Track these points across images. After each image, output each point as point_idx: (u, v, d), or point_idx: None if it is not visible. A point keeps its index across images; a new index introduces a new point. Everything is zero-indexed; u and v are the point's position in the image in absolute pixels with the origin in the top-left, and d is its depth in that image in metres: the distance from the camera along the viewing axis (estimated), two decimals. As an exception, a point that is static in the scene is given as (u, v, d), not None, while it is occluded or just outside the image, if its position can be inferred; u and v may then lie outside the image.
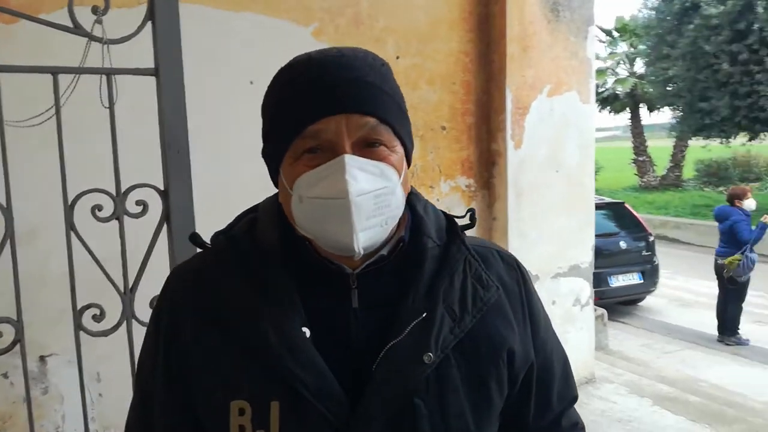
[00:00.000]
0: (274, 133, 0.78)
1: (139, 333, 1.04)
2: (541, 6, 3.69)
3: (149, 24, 1.40)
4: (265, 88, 0.80)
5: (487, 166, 3.92)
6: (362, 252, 0.73)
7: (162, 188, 1.47)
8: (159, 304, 0.85)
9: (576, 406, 0.97)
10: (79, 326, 1.40)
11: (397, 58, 3.46)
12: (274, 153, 0.78)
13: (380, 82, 0.75)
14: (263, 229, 0.82)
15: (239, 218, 0.88)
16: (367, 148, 0.74)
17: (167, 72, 1.43)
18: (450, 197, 3.80)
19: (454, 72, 3.72)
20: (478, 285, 0.82)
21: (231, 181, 2.66)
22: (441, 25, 3.61)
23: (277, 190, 0.82)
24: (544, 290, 3.93)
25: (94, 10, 1.31)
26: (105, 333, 1.42)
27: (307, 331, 0.75)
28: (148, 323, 0.87)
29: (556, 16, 3.75)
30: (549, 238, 3.96)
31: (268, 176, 0.82)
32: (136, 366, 0.93)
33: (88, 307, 1.41)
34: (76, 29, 1.31)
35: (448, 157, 3.78)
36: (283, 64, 0.79)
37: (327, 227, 0.73)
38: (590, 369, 4.23)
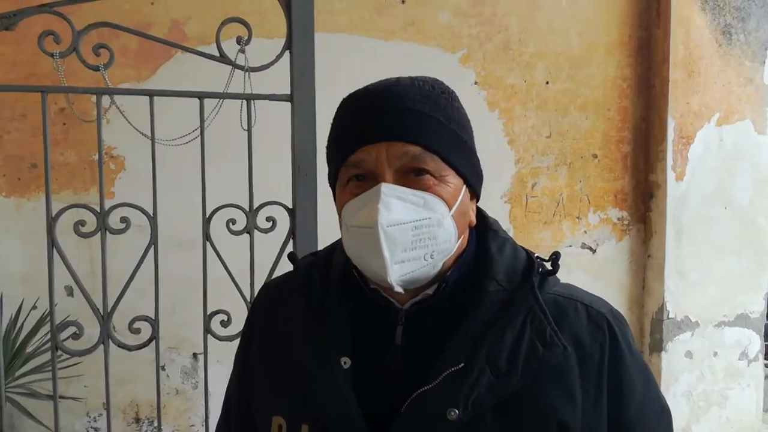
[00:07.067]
0: (327, 161, 0.80)
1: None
2: (710, 29, 3.39)
3: (286, 53, 1.50)
4: None
5: (643, 198, 3.65)
6: (398, 286, 0.71)
7: (290, 206, 1.56)
8: (249, 311, 0.90)
9: None
10: (207, 330, 1.52)
11: (547, 83, 3.37)
12: (329, 180, 0.80)
13: (431, 109, 0.73)
14: (338, 255, 0.83)
15: (336, 242, 0.90)
16: (414, 176, 0.72)
17: (301, 98, 1.52)
18: (599, 230, 3.59)
19: (610, 98, 3.53)
20: (538, 341, 0.73)
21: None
22: (597, 49, 3.46)
23: None
24: (704, 339, 3.56)
25: (238, 40, 1.44)
26: (230, 338, 1.53)
27: (347, 361, 0.74)
28: None
29: (728, 40, 3.42)
30: (713, 281, 3.58)
31: None
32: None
33: (216, 312, 1.53)
34: (222, 58, 1.44)
35: (599, 187, 3.59)
36: None
37: (364, 258, 0.72)
38: (756, 432, 3.74)
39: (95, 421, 3.09)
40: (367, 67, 3.00)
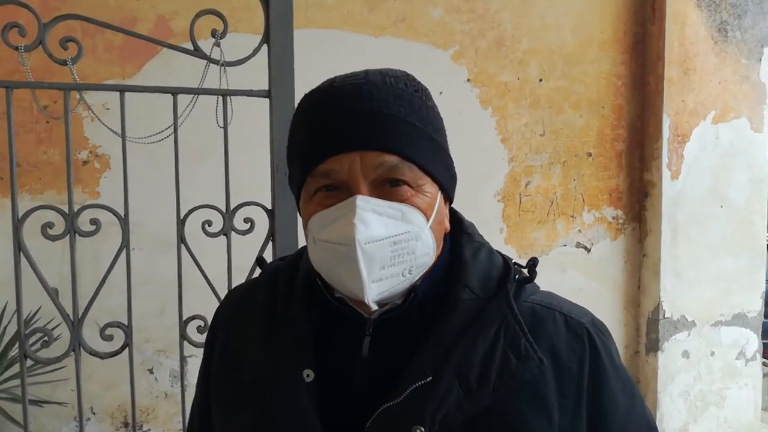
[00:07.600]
0: (289, 167, 0.73)
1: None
2: (706, 26, 3.34)
3: (264, 48, 1.44)
4: None
5: (638, 197, 3.61)
6: (375, 305, 0.66)
7: (269, 207, 1.51)
8: (212, 320, 0.85)
9: None
10: (183, 336, 1.46)
11: (540, 80, 3.31)
12: (291, 187, 0.73)
13: (406, 113, 0.67)
14: (305, 261, 0.78)
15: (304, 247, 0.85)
16: (390, 187, 0.66)
17: (279, 95, 1.46)
18: (594, 229, 3.54)
19: (605, 95, 3.48)
20: (512, 354, 0.68)
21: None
22: (591, 46, 3.41)
23: None
24: (701, 339, 3.51)
25: (213, 33, 1.38)
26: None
27: (310, 373, 0.69)
28: None
29: (724, 37, 3.37)
30: (709, 280, 3.53)
31: None
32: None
33: (193, 318, 1.47)
34: (196, 51, 1.39)
35: (593, 186, 3.54)
36: None
37: (338, 274, 0.67)
38: (754, 433, 3.69)
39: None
40: (356, 63, 2.91)
